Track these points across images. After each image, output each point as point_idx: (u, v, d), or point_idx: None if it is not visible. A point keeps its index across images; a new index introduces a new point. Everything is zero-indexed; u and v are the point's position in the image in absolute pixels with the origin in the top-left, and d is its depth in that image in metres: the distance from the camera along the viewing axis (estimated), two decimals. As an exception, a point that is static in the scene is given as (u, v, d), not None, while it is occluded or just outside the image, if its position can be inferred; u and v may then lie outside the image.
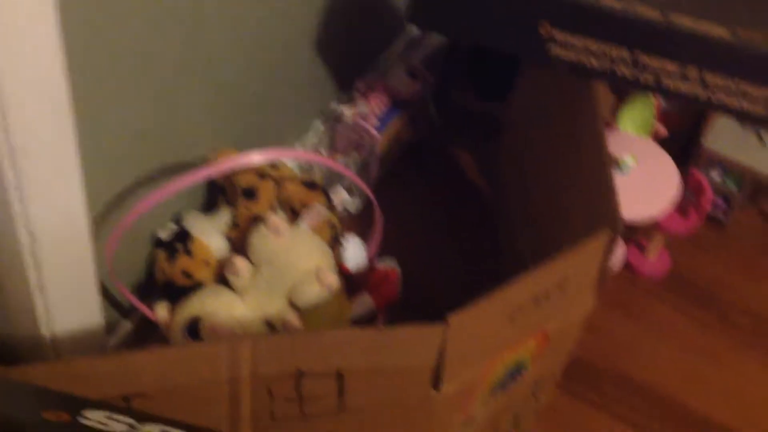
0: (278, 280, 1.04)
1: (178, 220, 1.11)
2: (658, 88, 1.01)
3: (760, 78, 0.97)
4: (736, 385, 1.24)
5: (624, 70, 1.02)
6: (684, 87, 1.00)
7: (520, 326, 0.85)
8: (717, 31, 1.00)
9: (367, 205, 1.34)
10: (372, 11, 1.41)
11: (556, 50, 1.03)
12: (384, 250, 1.20)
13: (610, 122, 1.34)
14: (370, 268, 1.16)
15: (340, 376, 0.81)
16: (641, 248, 1.36)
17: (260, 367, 0.77)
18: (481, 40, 1.07)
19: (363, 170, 1.37)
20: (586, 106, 1.02)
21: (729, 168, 1.38)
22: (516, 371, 0.92)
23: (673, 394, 1.22)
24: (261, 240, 1.05)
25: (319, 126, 1.39)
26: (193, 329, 1.01)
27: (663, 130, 1.38)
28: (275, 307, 1.04)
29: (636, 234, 1.37)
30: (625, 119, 1.35)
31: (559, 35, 1.02)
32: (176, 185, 0.94)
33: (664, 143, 1.36)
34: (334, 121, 1.38)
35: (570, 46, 1.02)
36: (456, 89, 1.55)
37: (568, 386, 1.19)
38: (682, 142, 1.42)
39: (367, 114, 1.36)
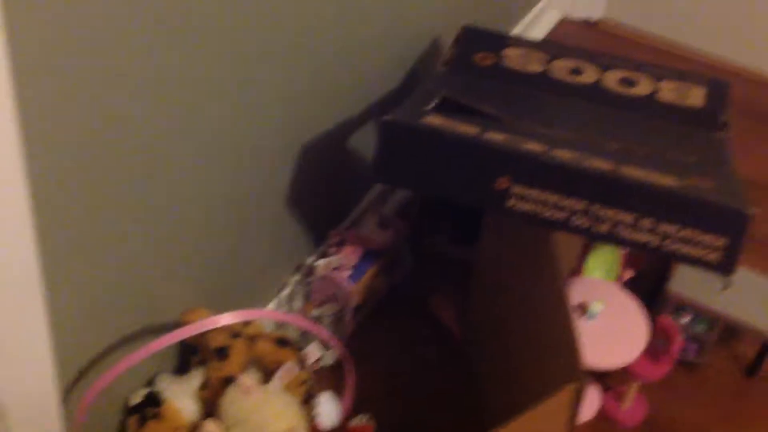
0: (251, 440, 1.04)
1: (150, 383, 1.11)
2: (614, 238, 1.05)
3: (710, 226, 1.01)
4: None
5: (580, 221, 1.05)
6: (638, 236, 1.04)
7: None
8: (666, 180, 1.05)
9: (343, 358, 1.35)
10: (342, 165, 1.47)
11: (512, 202, 1.07)
12: (360, 401, 1.19)
13: (577, 268, 1.38)
14: (345, 426, 1.16)
15: None
16: (616, 395, 1.36)
17: None
18: (441, 194, 1.12)
19: (338, 321, 1.39)
20: (546, 257, 1.06)
21: (697, 311, 1.40)
22: None
23: None
24: (232, 401, 1.05)
25: (294, 280, 1.42)
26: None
27: (629, 273, 1.41)
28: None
29: (610, 381, 1.37)
30: (592, 265, 1.38)
31: (516, 188, 1.07)
32: (147, 350, 0.95)
33: (632, 284, 1.38)
34: (307, 274, 1.41)
35: (527, 198, 1.07)
36: (429, 236, 1.58)
37: None
38: (650, 285, 1.45)
39: (341, 265, 1.39)
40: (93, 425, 1.03)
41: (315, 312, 1.38)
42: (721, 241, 1.01)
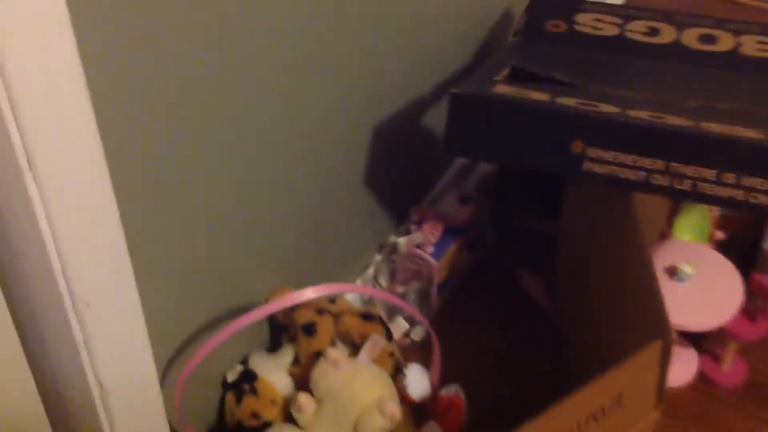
0: (342, 413, 1.06)
1: (244, 362, 1.15)
2: (697, 195, 1.02)
3: (799, 176, 0.98)
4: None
5: (660, 180, 1.03)
6: (723, 192, 1.01)
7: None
8: (749, 133, 1.02)
9: (430, 335, 1.36)
10: (420, 142, 1.48)
11: (589, 165, 1.06)
12: (449, 376, 1.21)
13: (666, 231, 1.35)
14: (435, 396, 1.17)
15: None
16: (715, 358, 1.33)
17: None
18: (515, 162, 1.12)
19: (423, 298, 1.40)
20: (627, 219, 1.04)
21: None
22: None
23: None
24: (322, 375, 1.07)
25: (377, 258, 1.44)
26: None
27: (720, 235, 1.37)
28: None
29: (707, 343, 1.34)
30: (681, 227, 1.35)
31: (592, 151, 1.06)
32: (235, 326, 0.99)
33: (723, 248, 1.34)
34: (390, 252, 1.43)
35: (603, 161, 1.05)
36: (512, 210, 1.58)
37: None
38: (742, 246, 1.40)
39: (423, 243, 1.40)
40: (193, 403, 1.08)
41: (400, 289, 1.40)
42: (809, 190, 0.97)
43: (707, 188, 1.02)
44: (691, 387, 1.31)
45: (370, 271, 1.43)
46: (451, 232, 1.43)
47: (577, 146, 1.06)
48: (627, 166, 1.04)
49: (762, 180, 0.99)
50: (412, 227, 1.43)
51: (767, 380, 1.32)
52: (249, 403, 1.09)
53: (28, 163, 0.73)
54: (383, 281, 1.41)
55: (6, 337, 0.83)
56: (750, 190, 1.00)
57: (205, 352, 0.98)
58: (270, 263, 1.18)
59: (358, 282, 1.42)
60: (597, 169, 1.06)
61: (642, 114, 1.07)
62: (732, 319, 1.20)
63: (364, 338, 1.13)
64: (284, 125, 1.08)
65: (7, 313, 0.82)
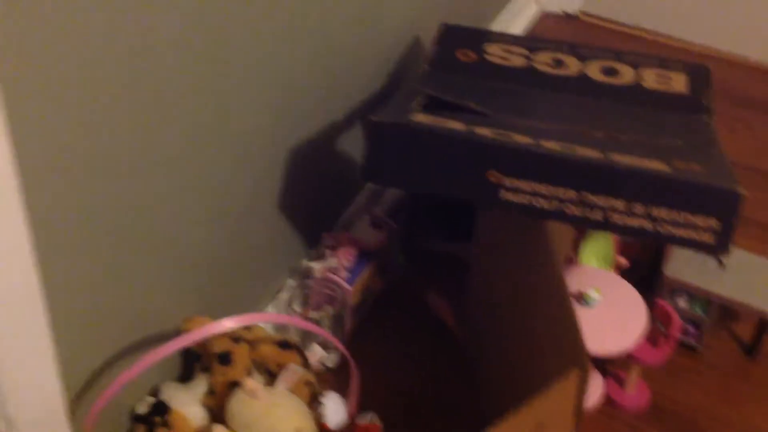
0: (259, 445, 1.04)
1: (155, 393, 1.11)
2: (608, 225, 1.06)
3: (702, 207, 1.03)
4: None
5: (573, 210, 1.07)
6: (632, 222, 1.05)
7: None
8: (655, 165, 1.06)
9: (345, 359, 1.36)
10: (331, 167, 1.48)
11: (505, 195, 1.08)
12: (364, 402, 1.20)
13: (573, 257, 1.39)
14: (352, 425, 1.16)
15: None
16: (619, 381, 1.38)
17: None
18: (433, 191, 1.13)
19: (337, 323, 1.39)
20: (540, 247, 1.07)
21: (694, 294, 1.42)
22: None
23: None
24: (239, 405, 1.05)
25: (291, 284, 1.43)
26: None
27: (624, 262, 1.42)
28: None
29: (611, 367, 1.39)
30: (587, 253, 1.40)
31: (507, 181, 1.08)
32: (151, 359, 0.95)
33: (626, 273, 1.40)
34: (304, 277, 1.42)
35: (519, 190, 1.08)
36: (420, 234, 1.60)
37: None
38: (644, 271, 1.47)
39: (337, 267, 1.39)
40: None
41: (314, 315, 1.39)
42: (713, 222, 1.02)
43: (618, 218, 1.06)
44: (597, 410, 1.35)
45: (283, 295, 1.41)
46: (364, 256, 1.44)
47: (493, 175, 1.09)
48: (541, 196, 1.07)
49: (668, 210, 1.04)
50: (327, 252, 1.42)
51: (668, 404, 1.38)
52: (161, 435, 1.05)
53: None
54: (297, 307, 1.40)
55: None
56: (658, 220, 1.04)
57: (120, 385, 0.94)
58: (181, 290, 1.15)
59: (270, 307, 1.40)
60: (512, 198, 1.09)
61: (554, 145, 1.10)
62: (636, 344, 1.25)
63: (281, 367, 1.12)
64: (199, 147, 1.06)
65: None
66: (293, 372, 1.11)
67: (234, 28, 1.03)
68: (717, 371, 1.43)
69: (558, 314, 0.99)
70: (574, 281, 1.31)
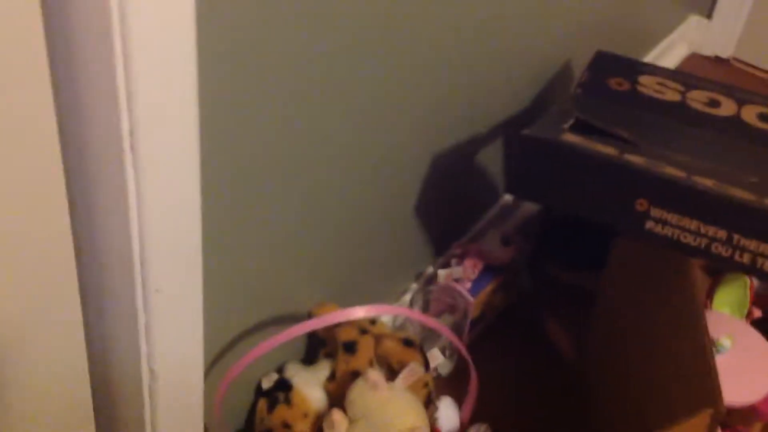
0: (373, 433, 1.06)
1: (280, 370, 1.15)
2: (755, 270, 1.03)
3: None
4: None
5: (720, 249, 1.04)
6: (783, 269, 1.02)
7: None
8: (814, 217, 1.03)
9: (457, 370, 1.36)
10: (468, 179, 1.49)
11: (652, 225, 1.07)
12: (477, 413, 1.20)
13: (706, 302, 1.35)
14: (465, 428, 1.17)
15: None
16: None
17: None
18: (577, 211, 1.12)
19: (455, 332, 1.40)
20: (684, 284, 1.05)
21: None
22: None
23: None
24: (359, 394, 1.07)
25: (414, 287, 1.45)
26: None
27: (757, 312, 1.37)
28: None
29: (732, 419, 1.34)
30: (720, 299, 1.36)
31: (656, 211, 1.07)
32: (284, 336, 0.99)
33: (759, 325, 1.35)
34: (427, 283, 1.43)
35: (666, 223, 1.06)
36: (549, 258, 1.59)
37: None
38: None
39: (461, 278, 1.40)
40: (226, 404, 1.08)
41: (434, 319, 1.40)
42: None
43: (767, 265, 1.03)
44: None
45: (406, 297, 1.43)
46: (489, 271, 1.44)
47: (641, 204, 1.08)
48: (689, 231, 1.05)
49: (823, 263, 1.00)
50: (453, 261, 1.44)
51: (788, 463, 1.32)
52: (281, 412, 1.09)
53: (131, 146, 0.74)
54: (417, 310, 1.42)
55: (71, 316, 0.83)
56: (811, 271, 1.01)
57: (253, 358, 0.98)
58: (316, 278, 1.19)
59: (397, 292, 1.42)
60: (659, 230, 1.07)
61: (707, 181, 1.08)
62: (763, 397, 1.21)
63: (402, 364, 1.13)
64: (352, 152, 1.09)
65: (77, 295, 0.83)
66: (414, 371, 1.12)
67: (390, 42, 1.06)
68: None
69: (695, 357, 0.97)
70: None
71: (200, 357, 0.93)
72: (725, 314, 1.33)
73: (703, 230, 1.05)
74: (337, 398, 1.11)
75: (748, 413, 1.27)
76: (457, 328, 1.40)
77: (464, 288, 1.40)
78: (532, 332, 1.49)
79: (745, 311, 1.37)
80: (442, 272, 1.40)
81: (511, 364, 1.44)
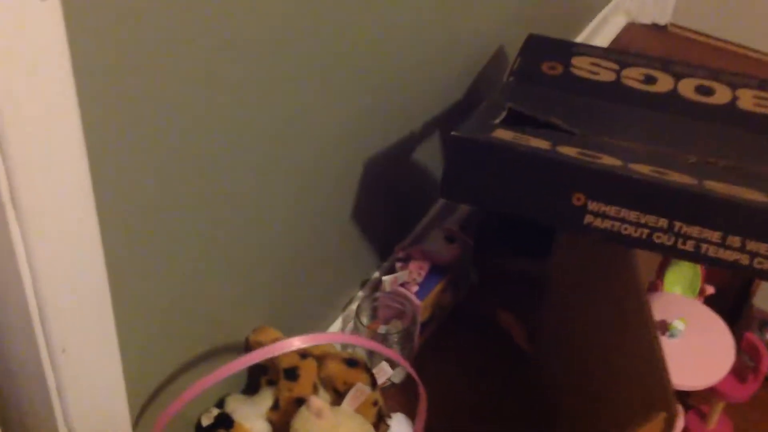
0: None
1: (220, 404, 1.10)
2: (699, 257, 1.00)
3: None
4: None
5: (663, 239, 1.01)
6: (726, 255, 0.99)
7: None
8: (753, 196, 1.00)
9: (410, 377, 1.32)
10: (406, 180, 1.45)
11: (590, 220, 1.03)
12: (431, 419, 1.16)
13: (657, 282, 1.32)
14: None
15: None
16: (701, 415, 1.31)
17: None
18: (514, 211, 1.08)
19: (405, 338, 1.36)
20: (628, 275, 1.01)
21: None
22: None
23: None
24: (303, 423, 1.03)
25: (360, 296, 1.40)
26: None
27: (710, 289, 1.35)
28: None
29: (693, 400, 1.32)
30: (671, 279, 1.33)
31: (593, 205, 1.03)
32: (222, 373, 0.93)
33: (712, 301, 1.33)
34: (373, 290, 1.39)
35: (605, 216, 1.02)
36: (494, 249, 1.55)
37: None
38: (731, 300, 1.39)
39: (408, 281, 1.36)
40: None
41: (382, 329, 1.36)
42: (817, 261, 0.95)
43: (711, 250, 0.99)
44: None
45: (353, 307, 1.38)
46: (436, 270, 1.40)
47: (578, 199, 1.04)
48: (629, 222, 1.02)
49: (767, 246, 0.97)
50: (398, 265, 1.39)
51: (752, 440, 1.30)
52: (225, 449, 1.04)
53: (11, 198, 0.68)
54: (365, 319, 1.37)
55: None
56: (755, 255, 0.98)
57: (185, 401, 0.93)
58: (252, 299, 1.13)
59: (339, 320, 1.37)
60: (598, 223, 1.03)
61: (644, 169, 1.04)
62: (722, 378, 1.18)
63: (348, 386, 1.09)
64: (274, 162, 1.04)
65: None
66: (360, 392, 1.08)
67: (320, 33, 1.00)
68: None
69: (643, 350, 0.94)
70: (658, 309, 1.25)
71: (125, 409, 0.88)
72: (677, 295, 1.31)
73: (643, 220, 1.01)
74: (282, 427, 1.06)
75: (709, 393, 1.25)
76: (407, 334, 1.35)
77: (411, 292, 1.35)
78: (484, 327, 1.45)
79: (697, 289, 1.34)
80: (386, 278, 1.36)
81: (467, 361, 1.40)
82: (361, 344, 1.17)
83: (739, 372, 1.23)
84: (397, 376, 1.34)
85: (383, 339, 1.33)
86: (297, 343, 0.95)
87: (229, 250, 1.03)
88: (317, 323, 1.33)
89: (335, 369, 1.10)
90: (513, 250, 1.55)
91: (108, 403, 0.86)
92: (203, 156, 0.91)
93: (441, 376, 1.36)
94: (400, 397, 1.31)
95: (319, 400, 1.03)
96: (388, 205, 1.41)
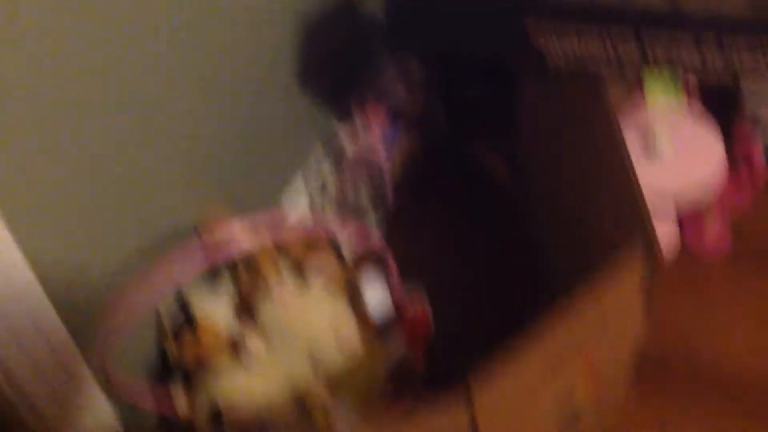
0: (295, 349, 0.96)
1: (180, 298, 1.02)
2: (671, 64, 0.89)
3: None
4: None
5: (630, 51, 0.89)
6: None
7: (561, 376, 0.75)
8: None
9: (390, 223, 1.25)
10: (357, 26, 1.31)
11: (542, 41, 0.91)
12: (412, 270, 1.10)
13: (639, 100, 1.21)
14: (399, 309, 1.07)
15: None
16: (699, 225, 1.22)
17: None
18: (466, 52, 0.96)
19: (379, 202, 1.28)
20: (596, 101, 0.90)
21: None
22: (571, 421, 0.82)
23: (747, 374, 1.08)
24: (270, 313, 0.96)
25: (320, 153, 1.29)
26: (218, 420, 0.94)
27: (692, 82, 1.23)
28: (300, 378, 0.96)
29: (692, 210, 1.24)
30: (654, 89, 1.21)
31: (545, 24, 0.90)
32: (174, 284, 0.86)
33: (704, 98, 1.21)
34: (338, 161, 1.28)
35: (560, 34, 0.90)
36: (461, 86, 1.41)
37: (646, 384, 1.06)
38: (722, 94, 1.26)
39: (371, 145, 1.26)
40: (131, 348, 0.96)
41: (351, 194, 1.27)
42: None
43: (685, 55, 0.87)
44: (677, 257, 1.22)
45: (315, 166, 1.28)
46: (399, 122, 1.29)
47: (528, 25, 0.91)
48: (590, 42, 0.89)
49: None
50: (358, 125, 1.28)
51: (754, 244, 1.22)
52: (190, 346, 0.97)
53: None
54: (333, 189, 1.27)
55: None
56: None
57: (132, 312, 0.86)
58: (198, 184, 1.04)
59: (300, 179, 1.27)
60: (554, 46, 0.91)
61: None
62: (713, 188, 1.10)
63: (312, 263, 1.01)
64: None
65: None
66: (327, 269, 1.01)
67: None
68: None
69: (619, 180, 0.84)
70: (641, 127, 1.15)
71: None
72: (660, 107, 1.19)
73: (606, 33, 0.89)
74: (246, 315, 0.99)
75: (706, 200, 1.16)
76: (380, 196, 1.27)
77: (377, 151, 1.26)
78: (462, 170, 1.35)
79: (680, 92, 1.22)
80: (349, 147, 1.26)
81: (445, 214, 1.31)
82: (313, 233, 1.07)
83: (734, 177, 1.14)
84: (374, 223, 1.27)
85: (354, 208, 1.25)
86: (248, 236, 0.86)
87: (166, 128, 0.95)
88: (279, 188, 1.24)
89: (298, 250, 1.02)
90: (483, 85, 1.41)
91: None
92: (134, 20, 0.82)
93: (420, 225, 1.28)
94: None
95: (282, 288, 0.96)
96: (338, 56, 1.28)
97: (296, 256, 1.02)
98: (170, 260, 0.92)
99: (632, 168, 0.82)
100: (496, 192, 1.31)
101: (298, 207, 1.25)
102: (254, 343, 0.95)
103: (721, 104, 1.24)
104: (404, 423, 0.71)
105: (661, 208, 1.16)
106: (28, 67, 0.75)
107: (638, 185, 0.81)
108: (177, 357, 0.99)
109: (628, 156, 0.83)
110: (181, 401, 0.98)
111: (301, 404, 0.96)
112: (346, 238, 1.15)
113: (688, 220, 1.23)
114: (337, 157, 1.28)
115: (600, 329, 0.75)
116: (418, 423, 0.69)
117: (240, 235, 0.91)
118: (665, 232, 1.22)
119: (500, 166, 1.32)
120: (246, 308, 1.00)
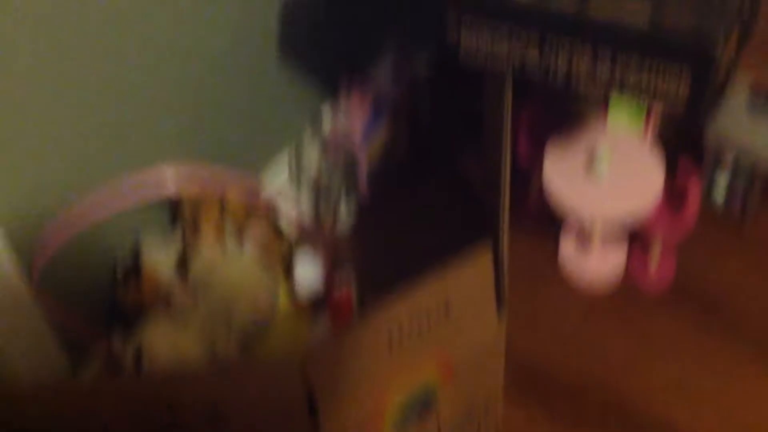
0: (219, 309, 1.05)
1: (135, 245, 1.13)
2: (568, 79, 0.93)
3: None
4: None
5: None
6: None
7: (401, 356, 0.81)
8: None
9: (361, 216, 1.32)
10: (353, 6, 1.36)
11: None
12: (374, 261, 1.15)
13: (602, 118, 1.24)
14: (327, 290, 1.15)
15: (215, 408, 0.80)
16: (643, 257, 1.25)
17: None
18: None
19: (351, 185, 1.35)
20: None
21: (741, 159, 1.23)
22: (422, 405, 0.88)
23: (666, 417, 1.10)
24: (198, 270, 1.06)
25: (309, 134, 1.37)
26: (140, 365, 1.04)
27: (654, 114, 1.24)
28: (220, 336, 1.06)
29: (636, 241, 1.26)
30: (616, 113, 1.24)
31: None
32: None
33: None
34: (319, 133, 1.36)
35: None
36: (453, 86, 1.44)
37: (547, 408, 1.11)
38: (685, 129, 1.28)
39: (352, 124, 1.32)
40: (87, 281, 1.07)
41: (325, 177, 1.34)
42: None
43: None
44: (618, 287, 1.24)
45: (298, 144, 1.36)
46: (383, 110, 1.34)
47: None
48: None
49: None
50: (342, 105, 1.34)
51: (696, 282, 1.23)
52: (133, 292, 1.09)
53: None
54: (312, 163, 1.34)
55: None
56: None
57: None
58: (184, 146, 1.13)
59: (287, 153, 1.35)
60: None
61: None
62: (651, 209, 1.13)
63: (249, 234, 1.11)
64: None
65: None
66: (262, 239, 1.10)
67: None
68: (760, 248, 1.25)
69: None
70: (589, 144, 1.18)
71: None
72: (616, 130, 1.22)
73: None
74: (183, 271, 1.09)
75: (645, 232, 1.19)
76: (353, 184, 1.34)
77: (356, 132, 1.30)
78: (443, 173, 1.40)
79: (642, 119, 1.24)
80: (329, 120, 1.32)
81: (420, 209, 1.37)
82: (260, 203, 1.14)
83: (673, 206, 1.16)
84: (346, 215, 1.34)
85: (326, 191, 1.32)
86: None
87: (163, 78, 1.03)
88: (259, 169, 1.32)
89: (238, 213, 1.11)
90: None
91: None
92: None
93: (398, 213, 1.33)
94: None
95: (212, 250, 1.05)
96: (331, 37, 1.32)
97: (238, 214, 1.11)
98: (99, 192, 1.01)
99: (506, 178, 0.87)
100: (470, 203, 1.34)
101: (276, 182, 1.33)
102: (181, 297, 1.06)
103: (679, 139, 1.25)
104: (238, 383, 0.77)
105: (607, 231, 1.19)
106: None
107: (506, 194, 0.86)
108: (121, 300, 1.11)
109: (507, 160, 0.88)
110: (117, 341, 1.08)
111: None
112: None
113: (634, 251, 1.25)
114: (322, 140, 1.35)
115: (443, 317, 0.80)
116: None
117: (170, 180, 1.00)
118: (607, 258, 1.25)
119: (481, 181, 1.36)
120: (183, 263, 1.11)
